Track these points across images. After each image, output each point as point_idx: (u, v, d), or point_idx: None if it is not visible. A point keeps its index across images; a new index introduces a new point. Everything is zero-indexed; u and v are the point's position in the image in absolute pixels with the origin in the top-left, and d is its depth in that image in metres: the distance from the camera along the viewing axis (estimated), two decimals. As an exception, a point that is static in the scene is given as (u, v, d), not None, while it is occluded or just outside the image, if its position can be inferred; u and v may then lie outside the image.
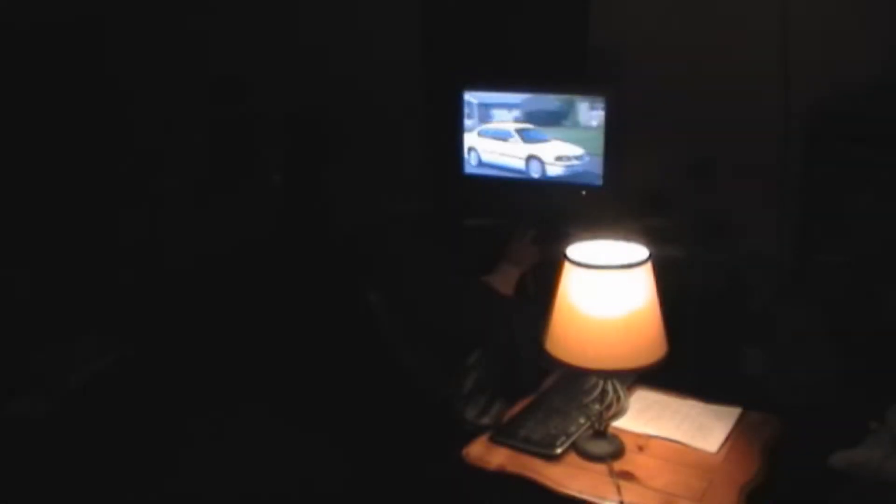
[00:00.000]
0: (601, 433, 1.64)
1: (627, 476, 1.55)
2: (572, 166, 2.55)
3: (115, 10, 3.11)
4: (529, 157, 2.61)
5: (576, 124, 2.52)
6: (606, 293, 1.50)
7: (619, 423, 1.67)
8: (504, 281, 2.26)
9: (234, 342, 2.73)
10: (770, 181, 2.39)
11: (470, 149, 2.71)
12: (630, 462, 1.60)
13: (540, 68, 2.74)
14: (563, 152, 2.55)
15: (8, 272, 2.81)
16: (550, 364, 1.60)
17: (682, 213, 2.43)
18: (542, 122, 2.57)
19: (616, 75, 2.55)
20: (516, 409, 1.82)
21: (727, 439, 1.67)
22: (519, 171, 2.64)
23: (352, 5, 3.09)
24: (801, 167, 2.29)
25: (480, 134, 2.68)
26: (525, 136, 2.61)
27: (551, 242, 2.29)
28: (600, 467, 1.58)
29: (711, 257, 2.32)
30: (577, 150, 2.53)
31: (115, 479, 2.21)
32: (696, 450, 1.64)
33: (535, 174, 2.60)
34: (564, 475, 1.57)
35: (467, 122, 2.70)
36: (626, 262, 1.51)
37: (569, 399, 1.77)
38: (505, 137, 2.64)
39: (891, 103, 2.11)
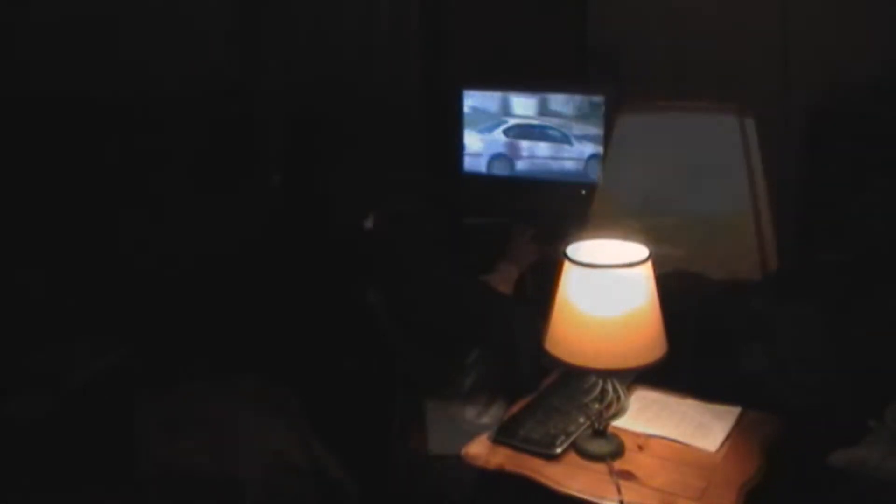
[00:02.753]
0: (601, 432, 1.64)
1: (627, 475, 1.55)
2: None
3: (118, 11, 3.11)
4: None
5: (575, 122, 2.52)
6: (606, 292, 1.50)
7: (619, 423, 1.67)
8: (503, 280, 2.25)
9: (234, 342, 2.73)
10: (770, 180, 2.38)
11: (498, 154, 2.67)
12: (630, 461, 1.60)
13: (539, 68, 2.73)
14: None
15: (7, 272, 2.81)
16: (550, 363, 1.60)
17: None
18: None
19: (615, 75, 2.55)
20: (515, 408, 1.82)
21: (727, 438, 1.67)
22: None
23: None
24: (801, 166, 2.29)
25: (509, 134, 2.64)
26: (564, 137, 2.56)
27: (550, 241, 2.29)
28: (600, 466, 1.58)
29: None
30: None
31: (115, 478, 2.21)
32: (695, 449, 1.64)
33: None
34: (564, 474, 1.57)
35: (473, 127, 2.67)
36: (625, 260, 1.51)
37: (568, 398, 1.77)
38: (551, 138, 2.60)
39: (891, 103, 2.10)
